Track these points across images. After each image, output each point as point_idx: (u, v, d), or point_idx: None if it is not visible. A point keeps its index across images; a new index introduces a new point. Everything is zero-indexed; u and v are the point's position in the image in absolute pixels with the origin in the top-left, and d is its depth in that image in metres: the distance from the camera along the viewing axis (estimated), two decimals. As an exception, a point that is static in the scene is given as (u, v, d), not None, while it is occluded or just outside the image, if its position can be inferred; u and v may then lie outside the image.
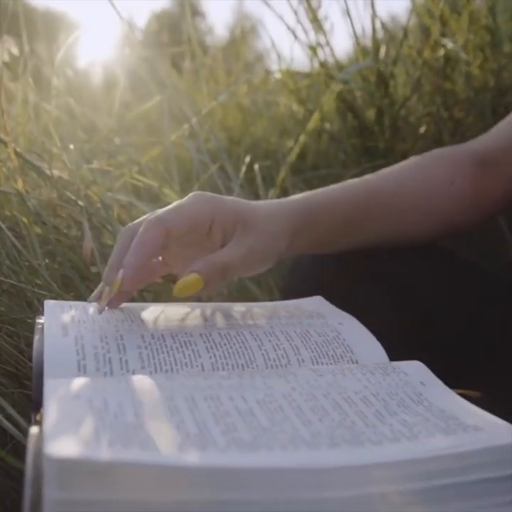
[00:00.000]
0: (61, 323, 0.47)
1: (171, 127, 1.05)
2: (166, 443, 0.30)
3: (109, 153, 0.97)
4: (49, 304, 0.51)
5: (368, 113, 1.00)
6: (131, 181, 0.91)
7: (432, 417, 0.37)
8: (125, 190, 0.94)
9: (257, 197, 0.92)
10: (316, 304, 0.58)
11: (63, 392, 0.35)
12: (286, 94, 1.16)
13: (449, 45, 0.86)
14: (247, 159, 0.95)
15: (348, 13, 0.94)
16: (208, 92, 1.22)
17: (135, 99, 1.65)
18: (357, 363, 0.48)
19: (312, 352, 0.48)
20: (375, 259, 0.66)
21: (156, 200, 0.95)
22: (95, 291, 0.51)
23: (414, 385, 0.42)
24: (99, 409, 0.33)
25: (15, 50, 1.16)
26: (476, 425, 0.36)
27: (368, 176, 0.66)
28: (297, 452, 0.31)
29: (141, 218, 0.51)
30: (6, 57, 1.17)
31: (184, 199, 0.49)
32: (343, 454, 0.32)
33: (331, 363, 0.47)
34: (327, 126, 1.10)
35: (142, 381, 0.38)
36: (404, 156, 0.96)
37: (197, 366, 0.44)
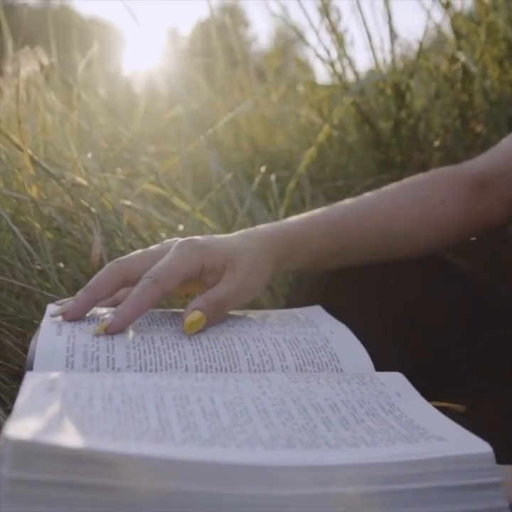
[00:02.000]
0: (58, 323, 0.49)
1: (191, 137, 1.07)
2: (124, 434, 0.32)
3: (129, 162, 0.99)
4: (51, 307, 0.54)
5: (384, 125, 1.01)
6: (149, 190, 0.94)
7: (398, 426, 0.38)
8: (143, 199, 0.97)
9: (269, 207, 0.93)
10: (313, 313, 0.59)
11: (39, 384, 0.37)
12: (307, 106, 1.17)
13: (462, 58, 0.86)
14: (263, 169, 0.96)
15: (365, 25, 0.95)
16: (225, 103, 1.24)
17: (169, 107, 1.68)
18: (342, 371, 0.48)
19: (298, 359, 0.49)
20: (373, 272, 0.67)
21: (173, 208, 0.97)
22: (65, 300, 0.53)
23: (389, 395, 0.43)
24: (69, 401, 0.35)
25: (45, 61, 1.20)
26: (441, 435, 0.37)
27: (359, 201, 0.67)
28: (251, 451, 0.32)
29: (129, 255, 0.54)
30: (37, 68, 1.21)
31: (173, 252, 0.52)
32: (295, 454, 0.33)
33: (316, 371, 0.48)
34: (346, 138, 1.11)
35: (117, 379, 0.40)
36: (421, 168, 0.97)
37: (181, 367, 0.45)
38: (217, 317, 0.52)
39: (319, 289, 0.69)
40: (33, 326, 0.65)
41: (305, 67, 1.40)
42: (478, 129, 0.98)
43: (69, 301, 0.51)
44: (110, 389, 0.38)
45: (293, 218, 0.64)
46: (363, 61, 1.04)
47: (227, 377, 0.42)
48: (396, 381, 0.45)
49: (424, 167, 0.92)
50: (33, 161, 0.76)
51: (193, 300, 0.51)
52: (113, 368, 0.44)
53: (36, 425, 0.31)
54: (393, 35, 0.94)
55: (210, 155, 1.03)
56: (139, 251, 0.54)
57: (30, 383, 0.37)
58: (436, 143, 0.97)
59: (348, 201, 0.67)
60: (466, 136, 0.96)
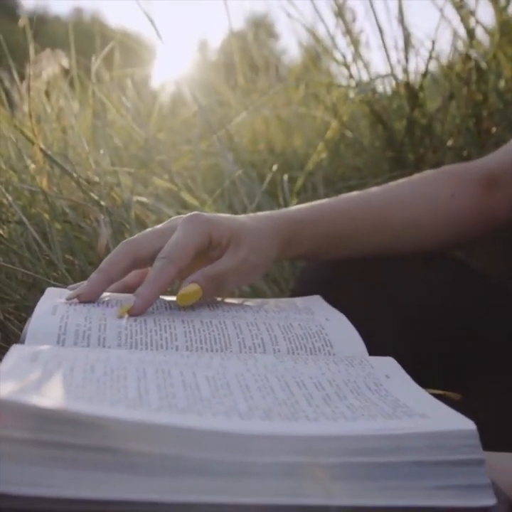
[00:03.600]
0: (53, 304, 0.50)
1: (208, 137, 1.08)
2: (100, 399, 0.32)
3: (143, 161, 1.00)
4: (50, 290, 0.54)
5: (398, 125, 1.00)
6: (162, 187, 0.95)
7: (381, 404, 0.38)
8: (156, 198, 0.97)
9: (279, 205, 0.93)
10: (311, 301, 0.59)
11: (23, 355, 0.37)
12: (323, 108, 1.18)
13: (474, 55, 0.85)
14: (274, 168, 0.97)
15: (377, 24, 0.95)
16: (242, 105, 1.24)
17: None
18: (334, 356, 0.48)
19: (290, 343, 0.48)
20: (378, 267, 0.66)
21: (185, 207, 0.98)
22: (77, 284, 0.54)
23: (377, 377, 0.42)
24: (50, 370, 0.35)
25: (65, 63, 1.22)
26: (424, 413, 0.36)
27: (367, 192, 0.67)
28: (226, 420, 0.32)
29: (138, 234, 0.54)
30: (57, 70, 1.24)
31: (181, 228, 0.52)
32: (272, 425, 0.32)
33: (308, 355, 0.48)
34: (360, 139, 1.11)
35: (102, 353, 0.40)
36: (434, 167, 0.96)
37: (172, 348, 0.45)
38: (214, 292, 0.52)
39: (324, 284, 0.69)
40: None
41: (324, 71, 1.40)
42: (493, 129, 0.97)
43: (82, 284, 0.52)
44: (93, 361, 0.38)
45: (300, 205, 0.64)
46: (377, 61, 1.04)
47: (213, 356, 0.42)
48: (386, 364, 0.45)
49: (437, 167, 0.91)
50: (45, 154, 0.78)
51: (192, 274, 0.52)
52: (103, 347, 0.45)
53: (13, 387, 0.31)
54: (406, 33, 0.93)
55: (224, 154, 1.03)
56: (147, 230, 0.55)
57: (15, 354, 0.38)
58: (450, 142, 0.97)
59: (355, 193, 0.67)
60: (480, 135, 0.96)
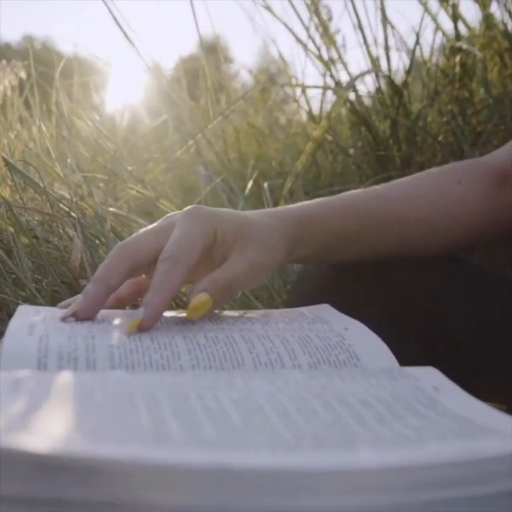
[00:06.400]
0: (29, 323, 0.42)
1: (173, 150, 1.02)
2: (106, 435, 0.25)
3: (113, 171, 0.93)
4: (22, 307, 0.47)
5: (382, 125, 0.95)
6: (135, 197, 0.88)
7: (444, 421, 0.31)
8: (128, 210, 0.90)
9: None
10: (322, 310, 0.53)
11: (1, 382, 0.30)
12: (296, 107, 1.12)
13: (464, 46, 0.81)
14: (255, 175, 0.91)
15: (358, 18, 0.90)
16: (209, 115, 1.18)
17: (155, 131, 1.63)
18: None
19: (311, 357, 0.42)
20: (385, 269, 0.61)
21: (159, 216, 0.90)
22: (68, 300, 0.46)
23: (425, 390, 0.36)
24: (39, 401, 0.28)
25: (23, 74, 1.15)
26: (499, 429, 0.30)
27: (373, 188, 0.61)
28: (272, 454, 0.25)
29: (133, 236, 0.47)
30: (14, 82, 1.16)
31: (183, 223, 0.45)
32: (326, 457, 0.26)
33: (339, 369, 0.41)
34: (340, 143, 1.06)
35: (97, 376, 0.33)
36: (421, 168, 0.91)
37: (175, 368, 0.38)
38: (224, 299, 0.46)
39: (325, 291, 0.63)
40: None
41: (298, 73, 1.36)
42: (482, 126, 0.93)
43: (77, 299, 0.44)
44: (89, 387, 0.30)
45: (305, 202, 0.58)
46: (358, 60, 0.99)
47: (232, 374, 0.35)
48: (430, 375, 0.38)
49: (425, 168, 0.86)
50: (6, 163, 0.70)
51: (198, 281, 0.44)
52: (94, 370, 0.37)
53: None
54: (386, 23, 0.88)
55: (197, 162, 0.97)
56: (141, 231, 0.47)
57: None
58: (437, 141, 0.92)
59: (360, 189, 0.62)
60: (469, 133, 0.91)
